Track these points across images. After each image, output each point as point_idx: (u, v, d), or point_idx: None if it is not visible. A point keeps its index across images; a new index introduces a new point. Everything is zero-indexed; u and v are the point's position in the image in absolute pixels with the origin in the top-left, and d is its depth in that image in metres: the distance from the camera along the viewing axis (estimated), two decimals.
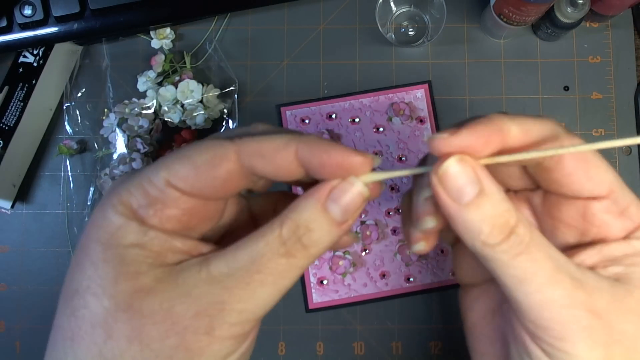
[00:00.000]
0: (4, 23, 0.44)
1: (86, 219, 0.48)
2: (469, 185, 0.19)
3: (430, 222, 0.22)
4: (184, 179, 0.19)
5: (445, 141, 0.19)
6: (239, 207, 0.24)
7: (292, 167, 0.19)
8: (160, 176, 0.18)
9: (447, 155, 0.19)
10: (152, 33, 0.48)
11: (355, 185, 0.19)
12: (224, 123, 0.48)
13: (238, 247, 0.18)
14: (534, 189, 0.24)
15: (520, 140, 0.20)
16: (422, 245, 0.24)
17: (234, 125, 0.48)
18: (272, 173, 0.19)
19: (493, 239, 0.18)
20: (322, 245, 0.19)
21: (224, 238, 0.24)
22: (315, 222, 0.18)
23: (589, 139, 0.48)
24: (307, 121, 0.49)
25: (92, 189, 0.48)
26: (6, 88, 0.45)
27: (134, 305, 0.17)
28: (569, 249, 0.22)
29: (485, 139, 0.19)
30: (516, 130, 0.20)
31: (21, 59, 0.46)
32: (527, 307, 0.19)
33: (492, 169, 0.20)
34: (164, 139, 0.48)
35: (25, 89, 0.46)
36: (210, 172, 0.19)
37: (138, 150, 0.45)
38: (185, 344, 0.17)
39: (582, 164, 0.21)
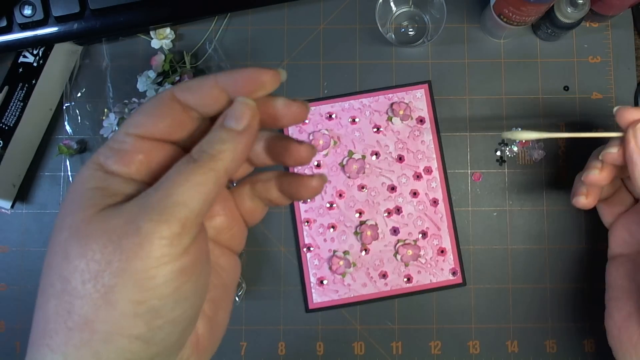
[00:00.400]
0: (4, 23, 0.44)
1: None
2: None
3: (595, 172, 0.35)
4: (138, 125, 0.22)
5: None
6: (228, 208, 0.27)
7: (214, 93, 0.22)
8: (120, 132, 0.22)
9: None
10: (152, 33, 0.49)
11: (239, 100, 0.22)
12: None
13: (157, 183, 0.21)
14: None
15: None
16: (583, 199, 0.37)
17: None
18: (200, 103, 0.23)
19: None
20: (228, 150, 0.21)
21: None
22: (214, 136, 0.22)
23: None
24: (306, 121, 0.49)
25: None
26: (6, 88, 0.45)
27: (82, 229, 0.20)
28: None
29: None
30: None
31: (21, 59, 0.46)
32: None
33: None
34: None
35: (25, 89, 0.46)
36: (156, 114, 0.22)
37: None
38: (120, 249, 0.19)
39: None
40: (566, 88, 0.49)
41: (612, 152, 0.35)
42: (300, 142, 0.26)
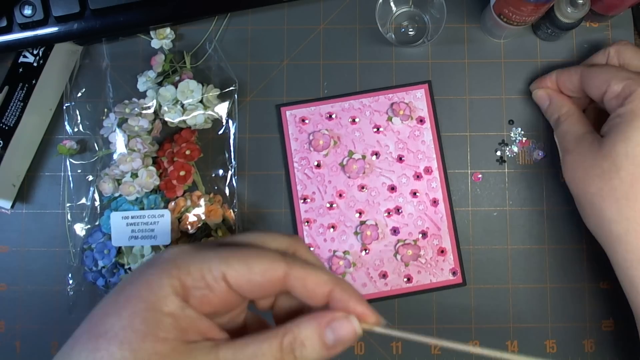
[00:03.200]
0: (4, 23, 0.44)
1: (86, 219, 0.48)
2: None
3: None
4: (238, 278, 0.22)
5: None
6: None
7: (321, 299, 0.23)
8: (219, 270, 0.22)
9: None
10: (152, 33, 0.49)
11: (354, 325, 0.23)
12: (224, 123, 0.48)
13: (246, 341, 0.22)
14: None
15: None
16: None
17: (234, 126, 0.48)
18: (306, 298, 0.24)
19: None
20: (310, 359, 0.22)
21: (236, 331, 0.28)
22: (310, 340, 0.22)
23: None
24: (306, 121, 0.49)
25: (92, 189, 0.48)
26: (6, 88, 0.45)
27: None
28: None
29: None
30: None
31: (21, 59, 0.46)
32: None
33: None
34: (164, 139, 0.48)
35: (25, 89, 0.46)
36: (261, 281, 0.23)
37: (138, 150, 0.45)
38: None
39: None
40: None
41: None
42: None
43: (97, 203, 0.48)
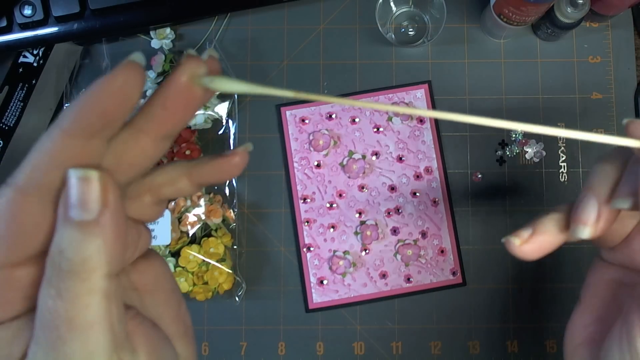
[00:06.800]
0: (4, 23, 0.44)
1: None
2: None
3: (626, 203, 0.22)
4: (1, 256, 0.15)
5: None
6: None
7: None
8: None
9: None
10: (152, 33, 0.49)
11: (72, 175, 0.15)
12: (224, 123, 0.48)
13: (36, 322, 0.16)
14: None
15: None
16: (588, 231, 0.23)
17: (234, 126, 0.48)
18: (64, 166, 0.16)
19: None
20: (87, 255, 0.15)
21: None
22: (61, 240, 0.15)
23: None
24: (306, 121, 0.49)
25: None
26: (6, 88, 0.45)
27: None
28: None
29: None
30: None
31: (21, 59, 0.46)
32: None
33: None
34: None
35: (25, 89, 0.46)
36: (12, 229, 0.15)
37: None
38: None
39: None
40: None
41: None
42: (231, 154, 0.19)
43: None
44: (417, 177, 0.48)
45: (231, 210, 0.47)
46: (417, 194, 0.48)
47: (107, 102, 0.15)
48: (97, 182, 0.15)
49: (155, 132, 0.17)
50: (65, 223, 0.15)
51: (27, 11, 0.44)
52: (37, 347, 0.15)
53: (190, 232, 0.46)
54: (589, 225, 0.23)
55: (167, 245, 0.45)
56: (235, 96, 0.48)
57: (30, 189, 0.16)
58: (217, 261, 0.45)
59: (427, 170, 0.48)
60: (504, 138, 0.49)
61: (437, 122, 0.48)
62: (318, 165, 0.48)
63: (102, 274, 0.15)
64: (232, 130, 0.48)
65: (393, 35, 0.49)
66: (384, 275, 0.47)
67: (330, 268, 0.47)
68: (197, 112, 0.46)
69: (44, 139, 0.16)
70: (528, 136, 0.49)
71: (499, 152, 0.49)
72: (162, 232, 0.44)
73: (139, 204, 0.19)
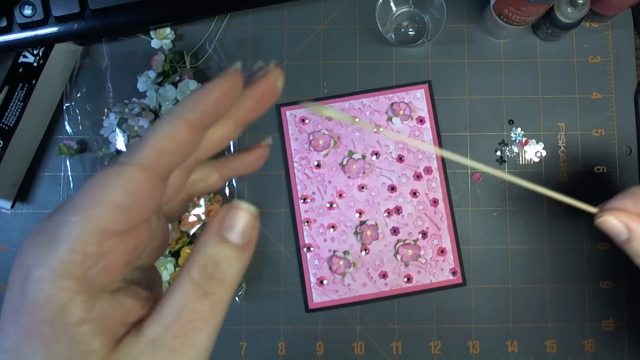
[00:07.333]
0: (4, 23, 0.44)
1: None
2: None
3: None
4: (114, 223, 0.18)
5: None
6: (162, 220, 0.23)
7: (190, 140, 0.20)
8: (91, 234, 0.17)
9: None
10: (152, 33, 0.48)
11: (242, 207, 0.19)
12: None
13: (163, 304, 0.18)
14: None
15: None
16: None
17: None
18: (181, 152, 0.19)
19: None
20: (235, 272, 0.19)
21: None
22: (219, 254, 0.19)
23: (589, 138, 0.48)
24: (307, 121, 0.49)
25: None
26: (6, 88, 0.45)
27: None
28: None
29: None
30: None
31: (21, 59, 0.46)
32: None
33: None
34: None
35: (25, 89, 0.46)
36: (134, 202, 0.18)
37: None
38: None
39: None
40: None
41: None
42: (255, 148, 0.24)
43: None
44: (417, 177, 0.48)
45: None
46: (417, 194, 0.48)
47: (221, 99, 0.20)
48: (256, 218, 0.20)
49: (242, 119, 0.22)
50: (221, 241, 0.19)
51: (27, 11, 0.44)
52: (159, 327, 0.18)
53: (191, 232, 0.46)
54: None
55: (167, 245, 0.45)
56: None
57: (153, 169, 0.18)
58: None
59: (427, 170, 0.48)
60: (504, 138, 0.49)
61: (437, 122, 0.48)
62: (318, 165, 0.48)
63: (236, 287, 0.19)
64: None
65: (393, 35, 0.49)
66: (383, 275, 0.47)
67: (330, 268, 0.47)
68: None
69: (167, 127, 0.19)
70: (528, 136, 0.49)
71: (499, 152, 0.49)
72: None
73: (172, 202, 0.23)
